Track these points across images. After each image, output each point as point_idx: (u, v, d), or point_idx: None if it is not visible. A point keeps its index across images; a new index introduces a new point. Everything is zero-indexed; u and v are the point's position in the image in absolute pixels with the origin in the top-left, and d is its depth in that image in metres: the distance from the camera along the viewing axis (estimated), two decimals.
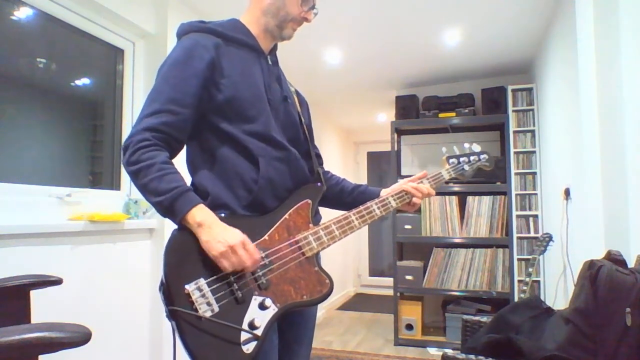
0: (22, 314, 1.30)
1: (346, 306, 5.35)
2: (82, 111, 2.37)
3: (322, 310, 4.73)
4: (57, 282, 1.38)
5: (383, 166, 6.37)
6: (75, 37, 2.21)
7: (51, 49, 2.12)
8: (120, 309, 2.12)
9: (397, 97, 3.97)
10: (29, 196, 1.86)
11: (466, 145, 1.51)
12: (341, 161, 5.96)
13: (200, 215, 1.01)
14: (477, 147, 1.50)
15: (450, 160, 1.46)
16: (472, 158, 1.48)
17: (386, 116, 5.29)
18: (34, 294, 1.34)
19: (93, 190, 2.20)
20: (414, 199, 1.34)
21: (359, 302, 5.57)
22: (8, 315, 1.27)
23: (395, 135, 3.98)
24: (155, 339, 2.28)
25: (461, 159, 1.47)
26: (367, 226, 6.38)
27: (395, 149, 4.00)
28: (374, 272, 6.40)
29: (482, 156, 1.49)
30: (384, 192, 1.36)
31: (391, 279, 3.84)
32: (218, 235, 1.00)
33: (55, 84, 2.19)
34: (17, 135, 1.94)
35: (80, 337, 0.75)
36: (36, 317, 1.32)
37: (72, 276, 1.90)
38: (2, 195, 1.76)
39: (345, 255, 5.89)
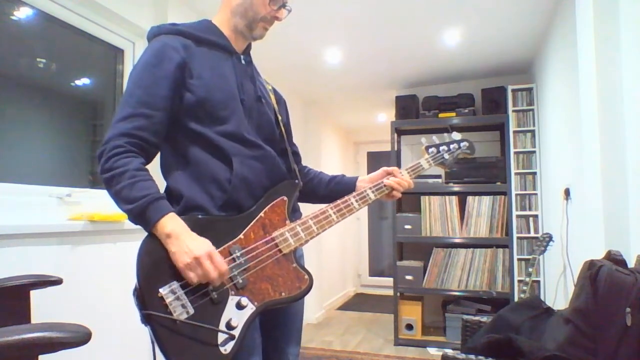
0: (22, 314, 1.30)
1: (346, 306, 5.35)
2: (82, 111, 2.37)
3: (322, 310, 4.73)
4: (57, 282, 1.38)
5: (383, 166, 6.36)
6: (75, 37, 2.21)
7: (51, 49, 2.12)
8: (120, 309, 2.12)
9: (397, 97, 3.97)
10: (29, 196, 1.86)
11: (446, 134, 1.51)
12: (341, 161, 5.96)
13: (169, 226, 1.00)
14: (457, 136, 1.50)
15: (430, 150, 1.45)
16: (452, 146, 1.47)
17: (386, 116, 5.29)
18: (34, 294, 1.34)
19: (93, 190, 2.20)
20: (394, 192, 1.34)
21: (359, 302, 5.57)
22: (8, 315, 1.27)
23: (395, 135, 3.98)
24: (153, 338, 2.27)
25: (440, 148, 1.46)
26: (366, 226, 6.39)
27: (395, 149, 4.00)
28: (374, 272, 6.40)
29: (462, 144, 1.48)
30: (361, 180, 1.36)
31: (391, 279, 3.84)
32: (184, 246, 0.98)
33: (55, 84, 2.19)
34: (17, 135, 1.94)
35: (80, 337, 0.75)
36: (36, 317, 1.32)
37: (72, 276, 1.90)
38: (2, 195, 1.76)
39: (345, 255, 5.89)
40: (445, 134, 1.50)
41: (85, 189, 2.17)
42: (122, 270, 2.14)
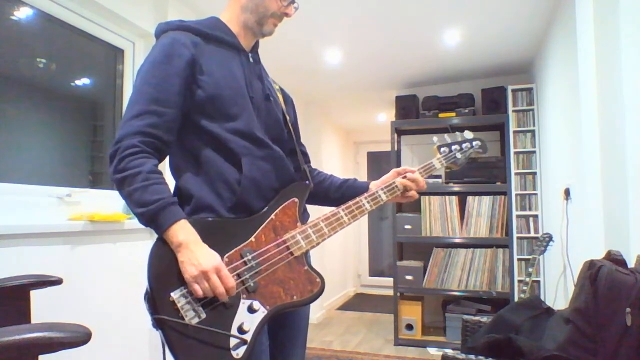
0: (22, 314, 1.29)
1: (346, 306, 5.35)
2: (82, 111, 2.37)
3: (322, 310, 4.74)
4: (57, 282, 1.38)
5: (383, 166, 6.37)
6: (75, 37, 2.21)
7: (51, 49, 2.12)
8: (120, 309, 2.12)
9: (397, 97, 3.97)
10: (29, 196, 1.86)
11: (458, 133, 1.48)
12: (341, 161, 5.96)
13: (180, 235, 0.99)
14: (469, 135, 1.47)
15: (442, 149, 1.43)
16: (464, 145, 1.45)
17: (386, 116, 5.30)
18: (34, 294, 1.34)
19: (93, 190, 2.20)
20: (411, 192, 1.31)
21: (359, 302, 5.56)
22: (8, 315, 1.27)
23: (395, 135, 3.98)
24: (155, 339, 2.28)
25: (452, 147, 1.43)
26: (366, 226, 6.39)
27: (395, 149, 4.01)
28: (374, 272, 6.40)
29: (474, 143, 1.46)
30: (374, 184, 1.34)
31: (391, 279, 3.84)
32: (193, 257, 0.97)
33: (55, 84, 2.19)
34: (17, 135, 1.94)
35: (80, 337, 0.75)
36: (36, 317, 1.31)
37: (72, 276, 1.90)
38: (2, 195, 1.76)
39: (345, 255, 5.89)
40: (457, 133, 1.47)
41: (85, 189, 2.17)
42: (122, 270, 2.14)
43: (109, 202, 2.22)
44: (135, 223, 2.17)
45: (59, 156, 2.21)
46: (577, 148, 2.24)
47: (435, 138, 1.46)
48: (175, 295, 0.97)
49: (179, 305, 0.97)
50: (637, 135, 1.58)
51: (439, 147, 1.44)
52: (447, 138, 1.45)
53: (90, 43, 2.29)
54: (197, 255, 0.98)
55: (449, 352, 1.49)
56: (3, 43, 1.88)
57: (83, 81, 2.36)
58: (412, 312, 3.75)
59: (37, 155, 2.06)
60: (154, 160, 1.05)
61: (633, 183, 1.58)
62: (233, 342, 1.00)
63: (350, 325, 4.46)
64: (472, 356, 1.45)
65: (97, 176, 2.35)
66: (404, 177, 1.32)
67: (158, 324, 0.96)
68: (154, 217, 0.99)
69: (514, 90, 3.50)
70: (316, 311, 4.54)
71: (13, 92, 1.96)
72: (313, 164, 1.45)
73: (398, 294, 3.77)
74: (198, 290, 0.97)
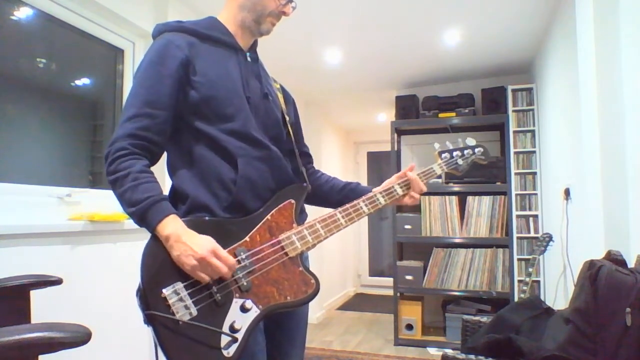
0: (22, 314, 1.30)
1: (346, 306, 5.35)
2: (82, 111, 2.37)
3: (322, 310, 4.74)
4: (57, 282, 1.38)
5: (383, 166, 6.37)
6: (75, 37, 2.21)
7: (51, 49, 2.12)
8: (120, 309, 2.12)
9: (397, 97, 3.97)
10: (29, 196, 1.86)
11: (460, 139, 1.47)
12: (341, 161, 5.96)
13: (169, 228, 0.99)
14: (471, 141, 1.46)
15: (443, 155, 1.42)
16: (466, 152, 1.44)
17: (386, 116, 5.30)
18: (34, 294, 1.34)
19: (93, 190, 2.20)
20: (412, 192, 1.30)
21: (359, 302, 5.57)
22: (8, 315, 1.27)
23: (395, 135, 3.98)
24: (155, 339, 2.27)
25: (454, 153, 1.43)
26: (366, 226, 6.38)
27: (395, 149, 4.00)
28: (374, 272, 6.40)
29: (476, 150, 1.45)
30: (376, 190, 1.32)
31: (391, 279, 3.84)
32: (187, 248, 0.97)
33: (55, 84, 2.19)
34: (17, 135, 1.94)
35: (80, 337, 0.76)
36: (36, 317, 1.32)
37: (72, 276, 1.90)
38: (2, 195, 1.76)
39: (345, 255, 5.89)
40: (459, 139, 1.46)
41: (85, 189, 2.17)
42: (122, 270, 2.14)
43: (109, 202, 2.22)
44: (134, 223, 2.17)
45: (59, 156, 2.21)
46: (577, 148, 2.24)
47: (437, 144, 1.45)
48: (167, 291, 0.97)
49: (170, 301, 0.96)
50: (637, 135, 1.58)
51: (440, 153, 1.43)
52: (449, 144, 1.45)
53: (90, 43, 2.29)
54: (190, 244, 0.98)
55: (449, 352, 1.49)
56: (3, 43, 1.88)
57: (83, 81, 2.36)
58: (412, 312, 3.75)
59: (37, 155, 2.06)
60: (144, 161, 1.07)
61: (633, 183, 1.58)
62: (224, 340, 0.99)
63: (350, 325, 4.46)
64: (472, 356, 1.45)
65: (97, 176, 2.35)
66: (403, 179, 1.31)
67: (149, 319, 0.96)
68: (143, 215, 1.00)
69: (514, 90, 3.50)
70: (316, 311, 4.55)
71: (13, 92, 1.96)
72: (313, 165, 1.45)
73: (398, 294, 3.77)
74: (204, 277, 0.98)
